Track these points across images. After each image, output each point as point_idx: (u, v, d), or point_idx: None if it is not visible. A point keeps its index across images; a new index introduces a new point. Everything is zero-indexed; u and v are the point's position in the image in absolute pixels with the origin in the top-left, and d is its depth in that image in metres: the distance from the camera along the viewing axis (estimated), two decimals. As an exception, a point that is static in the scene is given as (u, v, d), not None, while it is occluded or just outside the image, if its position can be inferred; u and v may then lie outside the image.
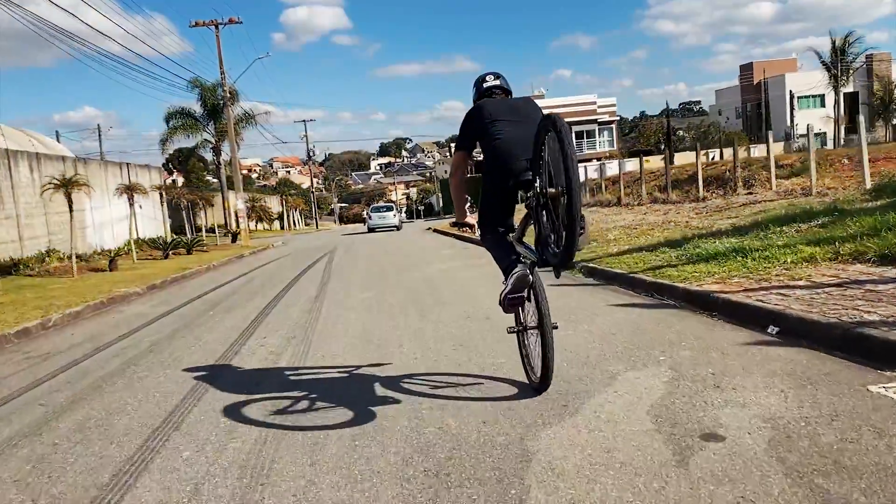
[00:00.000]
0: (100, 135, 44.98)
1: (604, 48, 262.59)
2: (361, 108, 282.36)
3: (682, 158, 44.69)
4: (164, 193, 23.83)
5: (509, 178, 3.59)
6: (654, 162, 33.73)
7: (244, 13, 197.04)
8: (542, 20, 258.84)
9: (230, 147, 28.28)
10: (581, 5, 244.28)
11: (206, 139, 45.57)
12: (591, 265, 8.60)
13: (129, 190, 20.27)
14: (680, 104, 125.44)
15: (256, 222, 52.57)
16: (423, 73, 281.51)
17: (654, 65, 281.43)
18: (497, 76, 4.10)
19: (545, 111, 3.52)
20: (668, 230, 11.29)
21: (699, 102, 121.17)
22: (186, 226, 28.11)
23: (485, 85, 4.05)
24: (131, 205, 20.24)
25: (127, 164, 27.79)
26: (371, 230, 34.55)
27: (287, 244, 28.25)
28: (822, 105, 53.88)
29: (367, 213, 38.61)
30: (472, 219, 4.17)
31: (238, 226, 28.91)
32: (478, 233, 4.01)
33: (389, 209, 37.37)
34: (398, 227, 34.49)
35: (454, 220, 4.35)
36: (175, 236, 27.08)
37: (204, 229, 28.22)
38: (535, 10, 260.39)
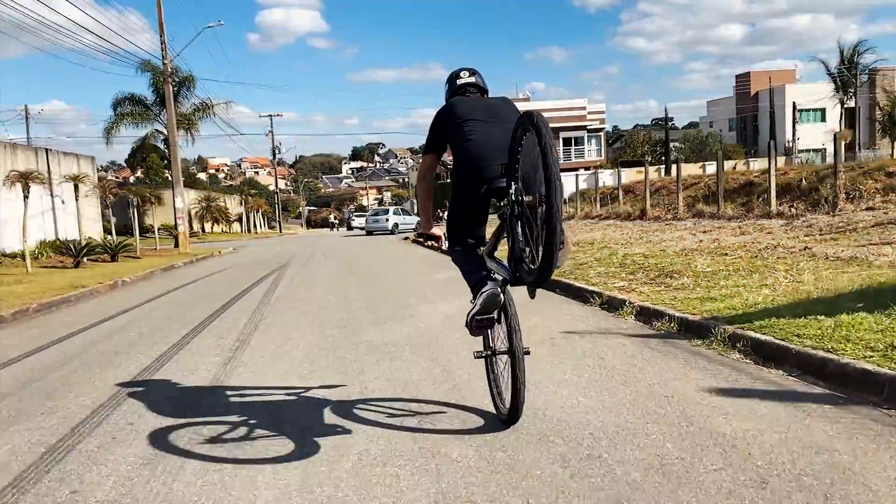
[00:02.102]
0: (27, 118, 39.58)
1: (578, 63, 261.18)
2: (335, 111, 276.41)
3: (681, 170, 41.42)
4: (78, 186, 19.11)
5: (481, 184, 3.13)
6: (649, 173, 30.76)
7: (221, 14, 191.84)
8: (519, 32, 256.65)
9: (170, 133, 23.72)
10: (556, 20, 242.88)
11: (157, 129, 40.83)
12: (750, 332, 4.42)
13: (24, 178, 15.67)
14: (652, 120, 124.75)
15: (212, 224, 47.65)
16: (399, 80, 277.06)
17: (626, 81, 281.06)
18: (473, 73, 3.60)
19: None
20: (793, 260, 7.21)
21: (672, 119, 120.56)
22: (113, 227, 23.55)
23: (458, 82, 3.56)
24: (26, 197, 15.65)
25: (46, 149, 22.95)
26: (369, 233, 37.50)
27: (238, 251, 23.74)
28: (823, 119, 51.10)
29: (365, 217, 43.94)
30: (438, 229, 3.64)
31: (179, 228, 24.39)
32: (445, 245, 3.55)
33: (385, 213, 39.79)
34: (392, 231, 36.75)
35: (420, 230, 3.70)
36: (107, 237, 22.48)
37: (138, 231, 23.65)
38: (512, 22, 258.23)
